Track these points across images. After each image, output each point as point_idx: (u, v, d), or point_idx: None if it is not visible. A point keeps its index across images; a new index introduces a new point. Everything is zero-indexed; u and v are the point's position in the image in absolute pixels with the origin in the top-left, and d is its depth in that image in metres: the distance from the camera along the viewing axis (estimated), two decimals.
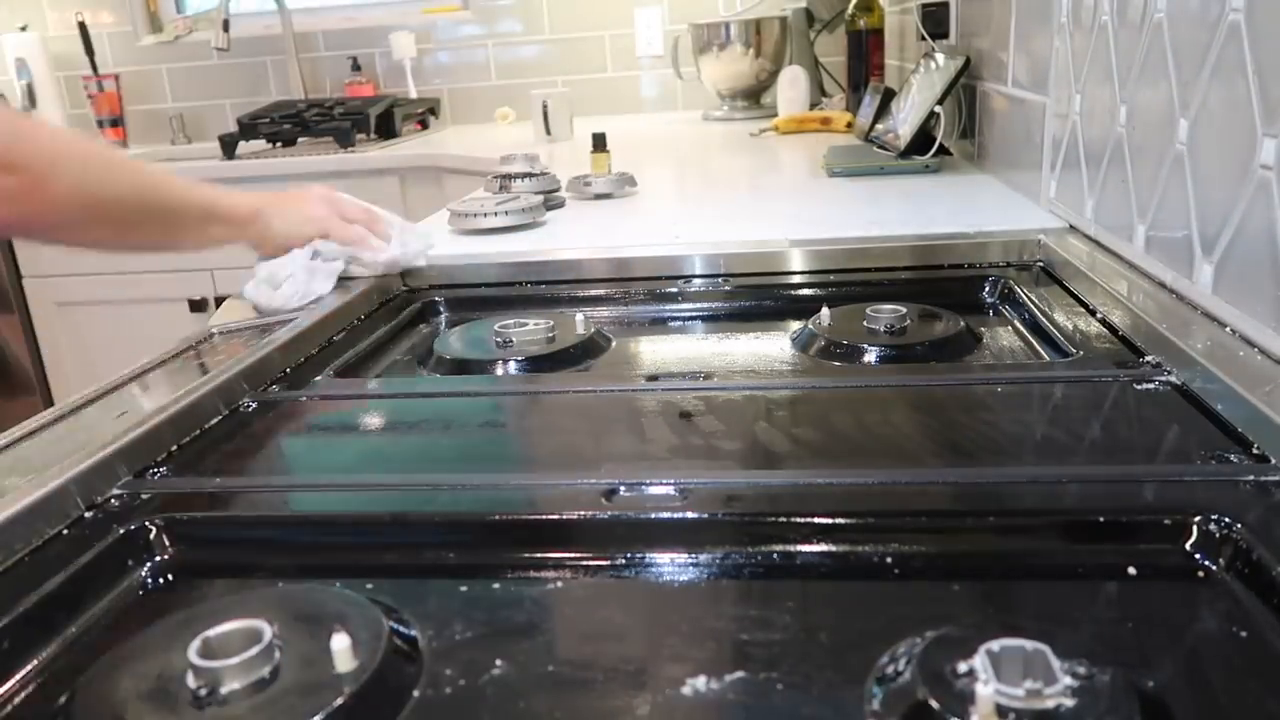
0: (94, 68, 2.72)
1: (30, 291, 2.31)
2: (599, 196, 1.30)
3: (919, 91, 1.39)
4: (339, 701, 0.34)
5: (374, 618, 0.39)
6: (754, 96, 2.27)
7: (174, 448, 0.59)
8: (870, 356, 0.71)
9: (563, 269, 0.97)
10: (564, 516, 0.49)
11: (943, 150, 1.31)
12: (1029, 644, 0.33)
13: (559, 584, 0.45)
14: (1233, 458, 0.49)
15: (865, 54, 1.96)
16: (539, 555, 0.47)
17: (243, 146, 2.29)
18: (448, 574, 0.46)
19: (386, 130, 2.37)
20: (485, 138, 2.31)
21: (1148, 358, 0.64)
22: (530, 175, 1.26)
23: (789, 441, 0.57)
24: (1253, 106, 0.59)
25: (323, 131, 2.29)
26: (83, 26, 2.69)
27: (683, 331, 0.88)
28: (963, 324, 0.75)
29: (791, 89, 2.02)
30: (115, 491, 0.53)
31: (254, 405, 0.66)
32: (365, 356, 0.80)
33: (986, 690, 0.31)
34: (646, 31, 2.58)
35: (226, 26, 2.43)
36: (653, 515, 0.48)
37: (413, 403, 0.69)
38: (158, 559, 0.49)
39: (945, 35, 1.45)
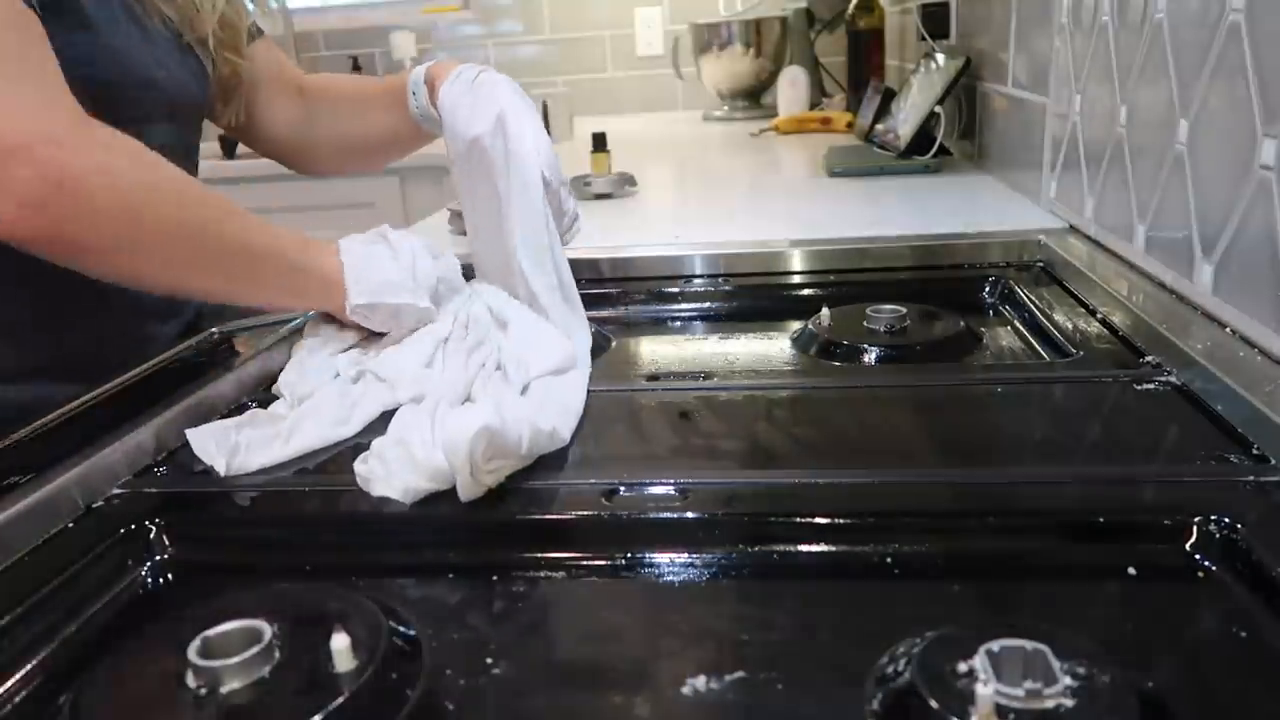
0: None
1: None
2: (599, 196, 1.30)
3: (919, 91, 1.39)
4: (339, 701, 0.34)
5: (374, 618, 0.39)
6: (754, 96, 2.27)
7: (174, 448, 0.59)
8: (870, 356, 0.71)
9: None
10: (564, 516, 0.49)
11: (943, 150, 1.31)
12: (1029, 644, 0.33)
13: (559, 584, 0.45)
14: (1233, 458, 0.49)
15: (865, 54, 1.95)
16: (539, 555, 0.47)
17: (243, 146, 2.29)
18: (448, 574, 0.46)
19: None
20: None
21: (1148, 358, 0.64)
22: None
23: (789, 441, 0.57)
24: (1253, 106, 0.59)
25: None
26: None
27: (683, 331, 0.88)
28: (963, 324, 0.75)
29: (791, 89, 2.02)
30: (115, 491, 0.53)
31: (254, 405, 0.66)
32: None
33: (986, 690, 0.31)
34: (646, 31, 2.58)
35: None
36: (653, 515, 0.48)
37: None
38: (158, 559, 0.49)
39: (945, 35, 1.45)
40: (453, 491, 0.49)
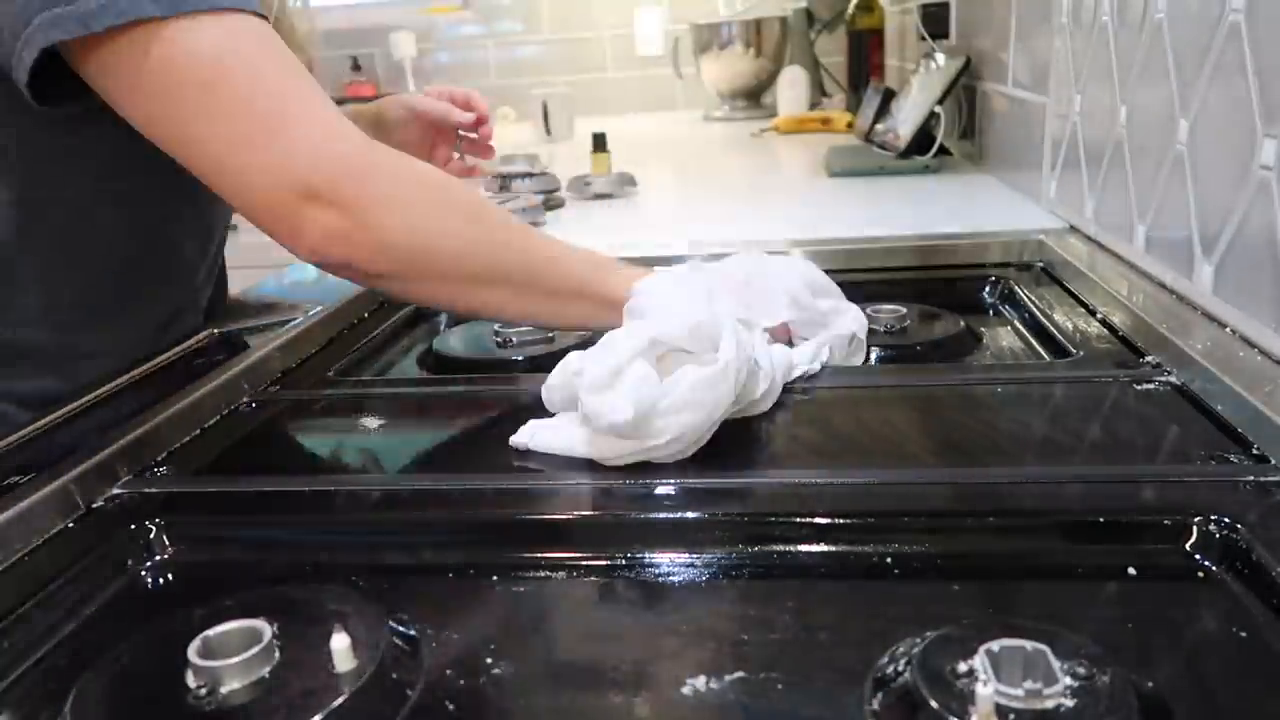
0: None
1: None
2: (599, 196, 1.30)
3: (919, 91, 1.39)
4: (339, 701, 0.34)
5: (374, 618, 0.39)
6: (754, 96, 2.27)
7: (174, 448, 0.59)
8: (870, 356, 0.71)
9: None
10: (564, 516, 0.49)
11: (943, 150, 1.31)
12: (1029, 644, 0.33)
13: (559, 584, 0.45)
14: (1233, 458, 0.49)
15: (865, 54, 1.95)
16: (539, 555, 0.47)
17: None
18: (448, 574, 0.46)
19: None
20: None
21: (1148, 358, 0.64)
22: (530, 175, 1.26)
23: (789, 441, 0.57)
24: (1253, 107, 0.59)
25: None
26: None
27: None
28: (963, 324, 0.75)
29: (791, 89, 2.02)
30: (115, 491, 0.53)
31: (254, 405, 0.66)
32: (365, 356, 0.80)
33: (986, 690, 0.31)
34: (646, 31, 2.58)
35: None
36: (653, 515, 0.48)
37: (413, 403, 0.69)
38: (158, 559, 0.49)
39: (945, 35, 1.45)
40: (451, 491, 0.49)
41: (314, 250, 0.60)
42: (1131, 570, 0.43)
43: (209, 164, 0.59)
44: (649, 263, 0.94)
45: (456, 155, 0.96)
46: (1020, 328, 0.79)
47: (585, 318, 0.68)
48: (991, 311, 0.85)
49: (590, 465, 0.54)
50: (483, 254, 0.64)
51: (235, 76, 0.57)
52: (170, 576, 0.48)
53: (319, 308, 0.82)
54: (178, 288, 0.78)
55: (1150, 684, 0.34)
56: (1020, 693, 0.32)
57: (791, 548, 0.46)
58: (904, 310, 0.74)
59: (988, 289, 0.87)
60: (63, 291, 0.68)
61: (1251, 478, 0.47)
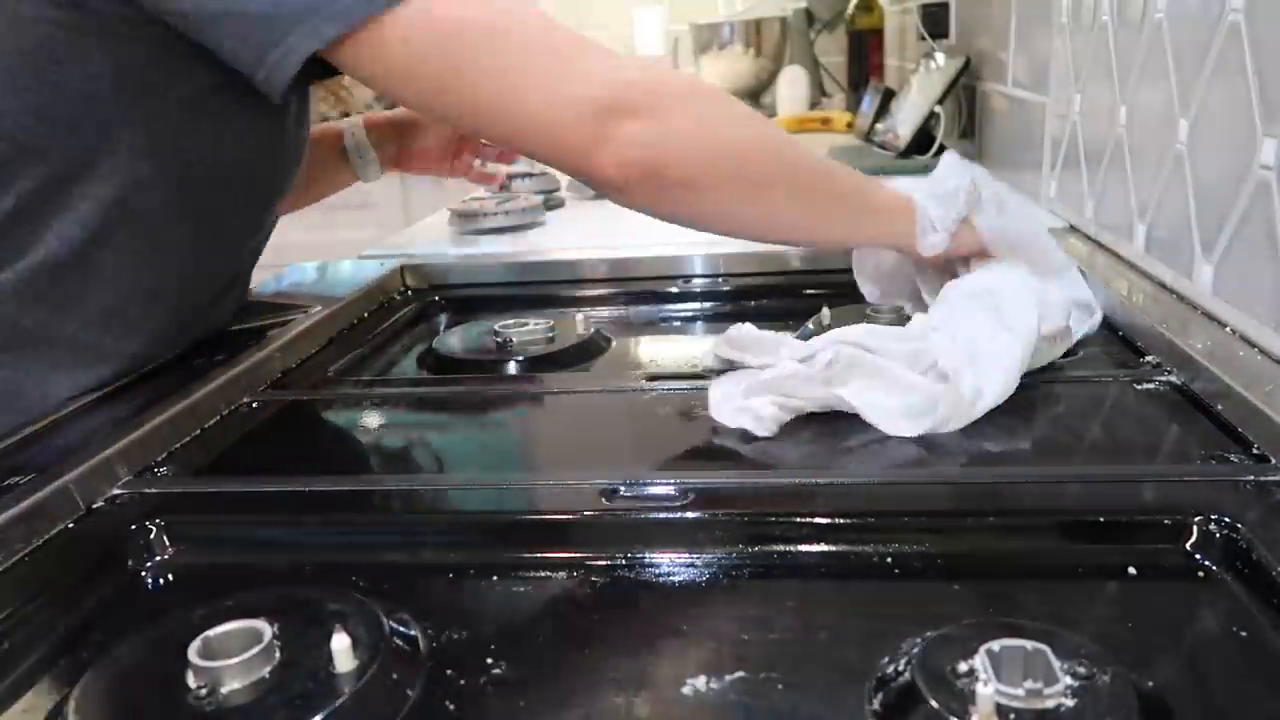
0: None
1: None
2: (599, 196, 1.30)
3: (919, 91, 1.39)
4: (339, 701, 0.34)
5: (374, 618, 0.39)
6: (754, 96, 2.26)
7: (174, 448, 0.59)
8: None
9: (563, 269, 0.97)
10: (564, 516, 0.49)
11: (943, 150, 1.31)
12: (1029, 644, 0.33)
13: (559, 584, 0.45)
14: (1233, 458, 0.49)
15: (865, 54, 1.96)
16: (539, 555, 0.47)
17: None
18: (448, 574, 0.46)
19: None
20: None
21: (1148, 358, 0.64)
22: (530, 175, 1.26)
23: (789, 441, 0.57)
24: (1253, 106, 0.59)
25: None
26: None
27: (683, 332, 0.88)
28: None
29: (791, 89, 2.02)
30: (115, 491, 0.53)
31: (254, 405, 0.66)
32: (365, 356, 0.80)
33: (986, 690, 0.31)
34: (646, 31, 2.58)
35: None
36: (653, 515, 0.48)
37: (413, 403, 0.69)
38: (158, 559, 0.49)
39: (945, 35, 1.45)
40: (452, 492, 0.48)
41: (622, 160, 0.60)
42: (1131, 570, 0.43)
43: (506, 107, 0.60)
44: (649, 263, 0.95)
45: (477, 162, 0.99)
46: None
47: (851, 226, 0.70)
48: None
49: (589, 465, 0.54)
50: (765, 153, 0.66)
51: (515, 20, 0.59)
52: (170, 576, 0.48)
53: (319, 308, 0.82)
54: (215, 296, 0.77)
55: (1150, 684, 0.34)
56: (1020, 692, 0.32)
57: (791, 548, 0.46)
58: (904, 309, 0.74)
59: None
60: (129, 294, 0.67)
61: (1251, 478, 0.47)
